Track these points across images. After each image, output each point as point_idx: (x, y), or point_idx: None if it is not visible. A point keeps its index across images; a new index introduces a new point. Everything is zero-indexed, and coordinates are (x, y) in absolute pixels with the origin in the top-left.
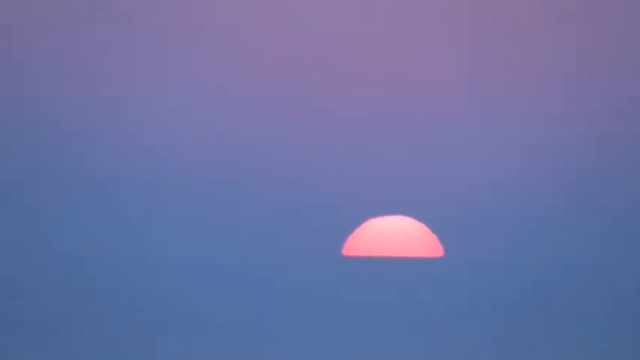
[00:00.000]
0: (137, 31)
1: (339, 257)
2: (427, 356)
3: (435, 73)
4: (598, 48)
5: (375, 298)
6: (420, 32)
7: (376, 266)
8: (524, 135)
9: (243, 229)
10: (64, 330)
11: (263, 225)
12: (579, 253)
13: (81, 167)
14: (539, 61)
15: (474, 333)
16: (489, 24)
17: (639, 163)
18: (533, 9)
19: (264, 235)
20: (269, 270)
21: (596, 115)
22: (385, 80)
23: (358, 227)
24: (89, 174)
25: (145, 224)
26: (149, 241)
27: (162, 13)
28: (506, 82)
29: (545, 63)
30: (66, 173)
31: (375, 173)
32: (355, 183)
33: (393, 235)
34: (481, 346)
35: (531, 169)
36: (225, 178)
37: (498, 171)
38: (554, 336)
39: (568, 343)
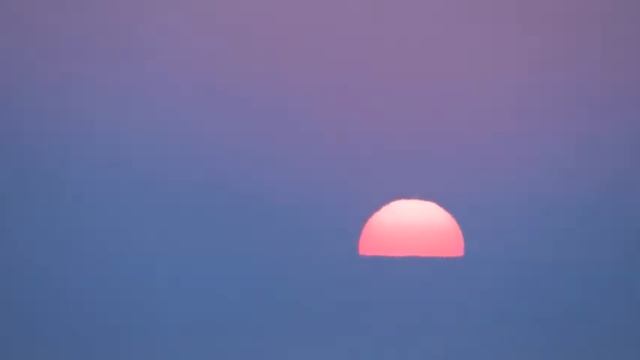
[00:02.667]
0: (129, 26)
1: (356, 257)
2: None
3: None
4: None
5: (394, 299)
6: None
7: (394, 266)
8: (564, 137)
9: (250, 231)
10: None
11: (271, 225)
12: (610, 258)
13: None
14: (583, 67)
15: (495, 337)
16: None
17: None
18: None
19: (273, 236)
20: (280, 273)
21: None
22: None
23: (375, 212)
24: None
25: (151, 226)
26: (155, 243)
27: (160, 10)
28: (547, 85)
29: (587, 68)
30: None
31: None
32: (374, 177)
33: (413, 226)
34: (501, 351)
35: (568, 172)
36: (231, 179)
37: (535, 171)
38: (578, 341)
39: (592, 349)
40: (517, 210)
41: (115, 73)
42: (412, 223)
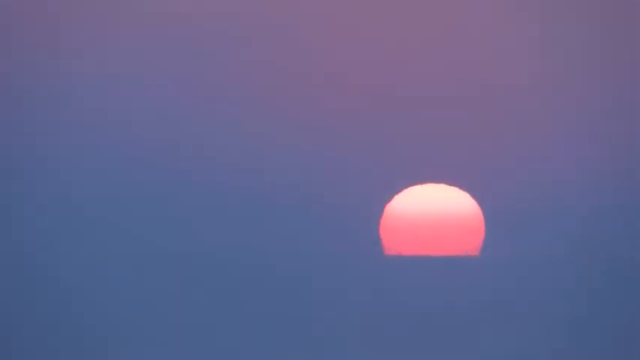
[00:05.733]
0: (134, 27)
1: (381, 259)
2: None
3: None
4: None
5: (409, 298)
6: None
7: (413, 265)
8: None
9: (267, 230)
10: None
11: (287, 224)
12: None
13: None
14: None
15: (517, 341)
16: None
17: None
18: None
19: (290, 235)
20: (300, 273)
21: None
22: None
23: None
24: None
25: (167, 227)
26: (168, 243)
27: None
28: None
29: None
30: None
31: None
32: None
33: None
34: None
35: (600, 172)
36: (244, 180)
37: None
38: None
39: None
40: (540, 209)
41: (113, 71)
42: (432, 214)
